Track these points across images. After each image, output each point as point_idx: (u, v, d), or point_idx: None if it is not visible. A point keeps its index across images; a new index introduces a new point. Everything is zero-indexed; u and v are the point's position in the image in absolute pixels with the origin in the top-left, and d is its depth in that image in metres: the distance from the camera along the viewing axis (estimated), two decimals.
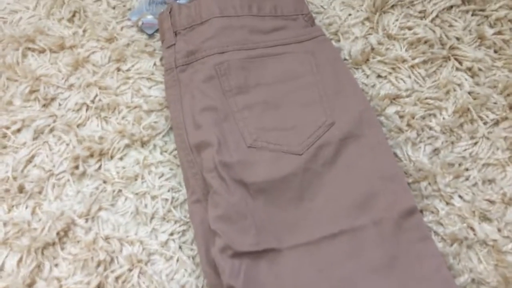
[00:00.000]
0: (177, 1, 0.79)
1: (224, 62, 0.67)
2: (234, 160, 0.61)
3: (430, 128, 0.69)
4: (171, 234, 0.64)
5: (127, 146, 0.70)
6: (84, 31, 0.79)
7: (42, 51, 0.77)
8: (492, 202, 0.63)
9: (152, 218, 0.65)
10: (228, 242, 0.55)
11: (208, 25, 0.70)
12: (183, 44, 0.70)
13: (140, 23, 0.78)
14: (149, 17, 0.77)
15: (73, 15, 0.81)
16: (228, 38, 0.69)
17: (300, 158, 0.61)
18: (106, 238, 0.64)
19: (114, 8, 0.81)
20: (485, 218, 0.62)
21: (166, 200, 0.66)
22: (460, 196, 0.64)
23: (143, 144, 0.70)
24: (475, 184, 0.65)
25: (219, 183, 0.59)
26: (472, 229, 0.62)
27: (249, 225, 0.57)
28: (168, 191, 0.67)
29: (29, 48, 0.77)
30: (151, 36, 0.78)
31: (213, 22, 0.70)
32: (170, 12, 0.72)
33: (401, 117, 0.70)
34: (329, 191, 0.60)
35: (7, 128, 0.71)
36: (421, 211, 0.63)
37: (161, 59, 0.76)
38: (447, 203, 0.64)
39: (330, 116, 0.64)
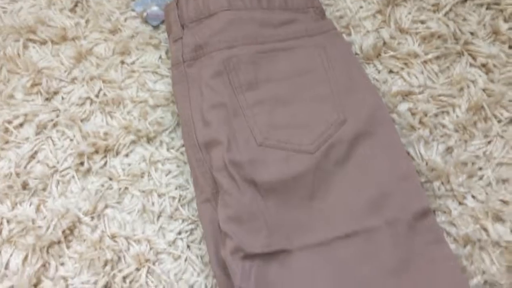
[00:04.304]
0: None
1: (233, 57, 0.65)
2: (244, 159, 0.59)
3: (443, 126, 0.67)
4: (179, 233, 0.63)
5: (133, 142, 0.68)
6: (87, 22, 0.77)
7: (44, 42, 0.75)
8: (505, 202, 0.62)
9: (159, 216, 0.64)
10: (239, 243, 0.54)
11: (216, 19, 0.68)
12: (190, 37, 0.68)
13: (144, 14, 0.75)
14: (154, 8, 0.75)
15: (75, 5, 0.78)
16: (237, 32, 0.67)
17: (312, 157, 0.60)
18: (113, 237, 0.63)
19: None
20: (498, 218, 0.61)
21: (174, 198, 0.65)
22: (473, 196, 0.63)
23: (149, 140, 0.69)
24: (488, 184, 0.64)
25: (229, 182, 0.58)
26: (485, 230, 0.61)
27: (260, 226, 0.56)
28: (176, 189, 0.66)
29: (30, 39, 0.75)
30: (156, 27, 0.76)
31: (221, 15, 0.67)
32: (177, 4, 0.70)
33: (414, 114, 0.68)
34: (341, 190, 0.59)
35: (9, 122, 0.69)
36: (434, 211, 0.62)
37: (166, 52, 0.74)
38: (460, 203, 0.63)
39: (342, 113, 0.63)
